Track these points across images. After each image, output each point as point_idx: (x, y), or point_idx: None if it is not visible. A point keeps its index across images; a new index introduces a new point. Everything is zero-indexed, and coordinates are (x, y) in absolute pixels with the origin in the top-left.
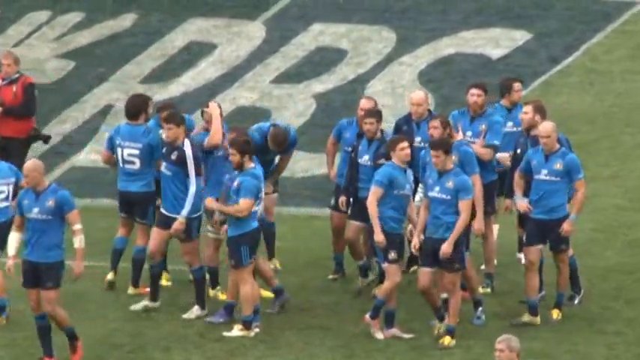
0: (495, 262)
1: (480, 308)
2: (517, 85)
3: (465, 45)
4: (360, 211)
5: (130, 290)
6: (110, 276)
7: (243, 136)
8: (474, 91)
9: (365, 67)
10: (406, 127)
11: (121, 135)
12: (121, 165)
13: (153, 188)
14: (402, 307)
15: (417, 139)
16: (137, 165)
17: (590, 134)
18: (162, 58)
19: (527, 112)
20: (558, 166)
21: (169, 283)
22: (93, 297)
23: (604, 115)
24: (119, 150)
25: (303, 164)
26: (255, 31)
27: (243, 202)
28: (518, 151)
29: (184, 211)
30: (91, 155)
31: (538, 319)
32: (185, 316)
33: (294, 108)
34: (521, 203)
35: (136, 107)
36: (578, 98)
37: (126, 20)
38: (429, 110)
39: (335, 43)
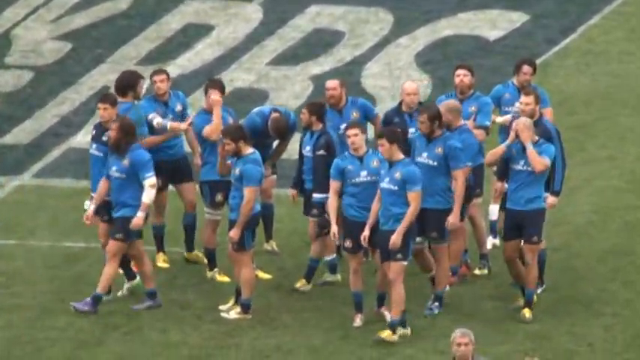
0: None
1: (437, 303)
2: (525, 68)
3: (462, 27)
4: (308, 206)
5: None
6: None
7: (234, 124)
8: (459, 71)
9: (362, 48)
10: (398, 118)
11: None
12: None
13: None
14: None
15: (411, 130)
16: None
17: (587, 116)
18: (159, 40)
19: (529, 104)
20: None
21: (167, 265)
22: (89, 279)
23: (601, 97)
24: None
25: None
26: (252, 13)
27: (249, 191)
28: None
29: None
30: (88, 137)
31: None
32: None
33: (291, 90)
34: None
35: (124, 83)
36: (575, 80)
37: (122, 2)
38: (420, 102)
39: (332, 24)
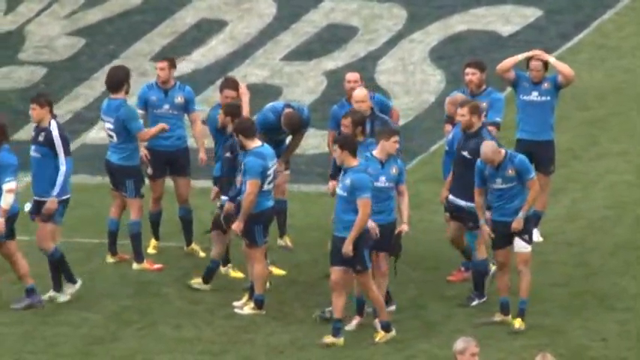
0: None
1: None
2: (532, 64)
3: (475, 22)
4: None
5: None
6: (109, 259)
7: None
8: (468, 70)
9: (376, 44)
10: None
11: (103, 109)
12: (108, 137)
13: (133, 162)
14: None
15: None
16: (115, 139)
17: (601, 110)
18: (173, 36)
19: (463, 115)
20: (510, 172)
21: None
22: (102, 275)
23: (614, 92)
24: (104, 124)
25: (314, 141)
26: (265, 8)
27: (249, 184)
28: None
29: (54, 191)
30: (101, 132)
31: (509, 318)
32: (61, 299)
33: (304, 85)
34: (485, 229)
35: (118, 79)
36: (588, 75)
37: None
38: (372, 108)
39: (346, 20)
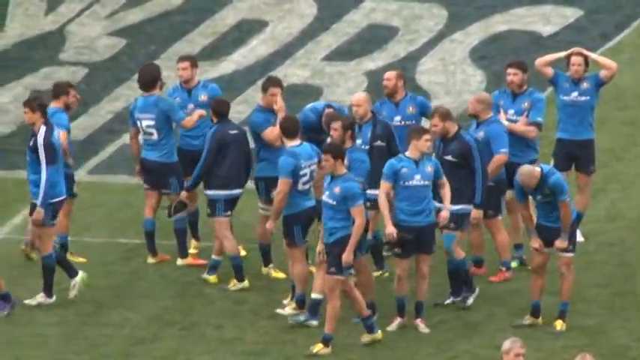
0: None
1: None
2: (573, 59)
3: (516, 22)
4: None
5: (179, 262)
6: (150, 259)
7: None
8: (509, 70)
9: (416, 44)
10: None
11: (137, 108)
12: (143, 136)
13: (172, 159)
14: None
15: (358, 141)
16: (155, 136)
17: None
18: (214, 36)
19: (436, 125)
20: (547, 191)
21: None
22: (144, 275)
23: None
24: (139, 123)
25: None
26: (306, 8)
27: (279, 182)
28: None
29: (39, 200)
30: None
31: (540, 321)
32: (27, 301)
33: (345, 85)
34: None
35: (151, 76)
36: (628, 75)
37: None
38: (372, 112)
39: (386, 20)
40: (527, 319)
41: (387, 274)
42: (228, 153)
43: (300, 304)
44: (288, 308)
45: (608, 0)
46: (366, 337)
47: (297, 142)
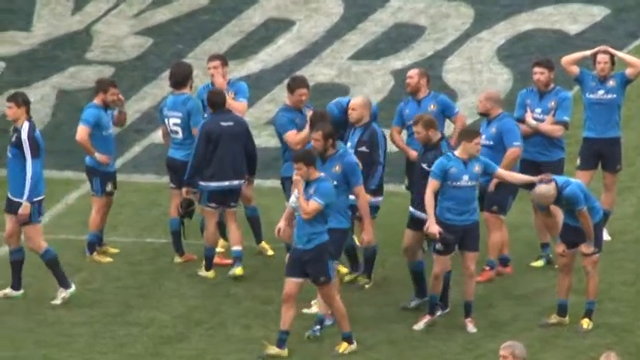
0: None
1: (318, 327)
2: (599, 57)
3: (542, 20)
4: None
5: (176, 259)
6: (177, 259)
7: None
8: (536, 69)
9: (443, 43)
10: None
11: (167, 105)
12: (170, 135)
13: None
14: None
15: (348, 143)
16: (180, 134)
17: None
18: (240, 35)
19: (419, 132)
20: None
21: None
22: (171, 275)
23: None
24: (166, 120)
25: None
26: (333, 7)
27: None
28: None
29: (25, 195)
30: None
31: (566, 320)
32: (53, 302)
33: (372, 84)
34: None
35: (184, 74)
36: None
37: None
38: (371, 117)
39: (413, 19)
40: (554, 318)
41: (367, 285)
42: (219, 144)
43: None
44: (314, 307)
45: None
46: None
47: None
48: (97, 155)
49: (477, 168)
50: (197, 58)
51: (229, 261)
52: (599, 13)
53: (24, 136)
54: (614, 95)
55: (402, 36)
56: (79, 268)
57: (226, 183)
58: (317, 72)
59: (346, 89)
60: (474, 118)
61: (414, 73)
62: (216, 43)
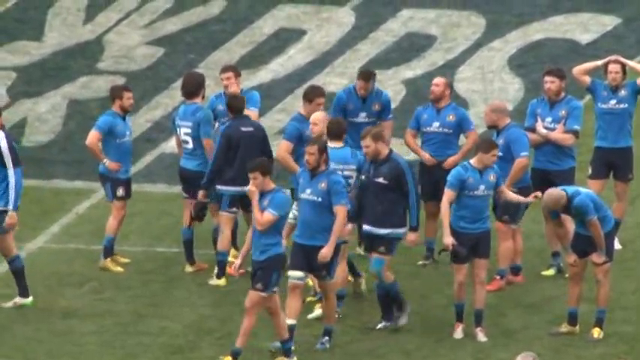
0: None
1: (327, 337)
2: (611, 67)
3: (554, 30)
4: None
5: (188, 268)
6: (188, 268)
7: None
8: (547, 78)
9: (454, 52)
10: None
11: (178, 115)
12: (182, 144)
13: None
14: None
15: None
16: (190, 144)
17: None
18: (252, 45)
19: (368, 146)
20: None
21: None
22: (182, 284)
23: None
24: (178, 130)
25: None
26: (344, 17)
27: None
28: None
29: (10, 204)
30: None
31: (577, 329)
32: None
33: None
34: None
35: (196, 84)
36: None
37: (215, 7)
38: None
39: (424, 28)
40: (565, 327)
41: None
42: (238, 150)
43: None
44: (317, 311)
45: None
46: None
47: (338, 144)
48: (107, 162)
49: (492, 177)
50: (208, 68)
51: (242, 271)
52: (610, 22)
53: (3, 144)
54: (626, 105)
55: (413, 45)
56: (90, 277)
57: (247, 188)
58: (328, 82)
59: None
60: (484, 128)
61: (440, 81)
62: (227, 53)
